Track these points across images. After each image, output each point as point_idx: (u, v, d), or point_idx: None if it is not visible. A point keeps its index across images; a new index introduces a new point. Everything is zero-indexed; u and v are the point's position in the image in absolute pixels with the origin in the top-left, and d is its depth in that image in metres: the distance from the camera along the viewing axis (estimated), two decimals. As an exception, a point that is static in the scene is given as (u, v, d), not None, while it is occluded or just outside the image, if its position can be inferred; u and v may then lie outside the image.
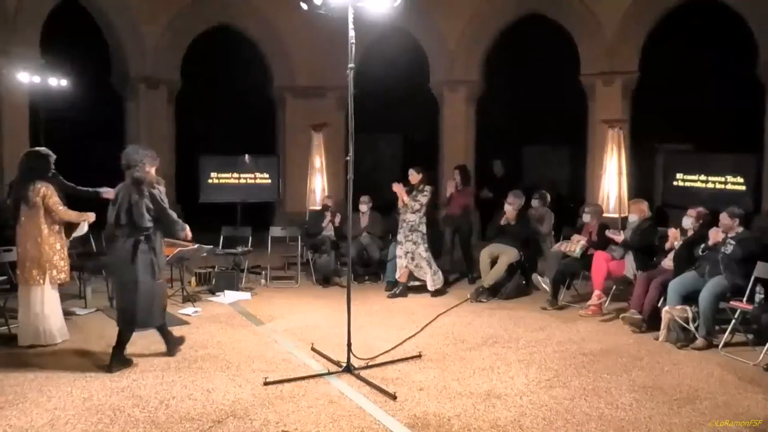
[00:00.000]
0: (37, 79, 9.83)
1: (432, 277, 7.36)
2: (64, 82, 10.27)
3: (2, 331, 5.63)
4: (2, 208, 8.87)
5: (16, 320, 5.44)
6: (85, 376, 4.61)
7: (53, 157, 5.90)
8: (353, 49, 4.69)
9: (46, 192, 5.28)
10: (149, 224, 4.81)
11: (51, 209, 5.29)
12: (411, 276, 7.48)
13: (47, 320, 5.28)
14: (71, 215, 5.43)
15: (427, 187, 7.33)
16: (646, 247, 6.57)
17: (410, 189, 7.33)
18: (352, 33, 4.66)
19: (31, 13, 10.00)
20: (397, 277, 7.47)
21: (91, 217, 5.64)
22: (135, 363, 4.91)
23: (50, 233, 5.33)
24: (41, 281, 5.25)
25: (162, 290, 5.08)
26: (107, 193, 5.53)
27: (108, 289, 7.24)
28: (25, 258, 5.28)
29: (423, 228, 7.34)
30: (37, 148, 5.66)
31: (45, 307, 5.27)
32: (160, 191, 4.89)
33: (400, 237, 7.40)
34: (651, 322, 5.87)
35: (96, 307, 6.73)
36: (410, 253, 7.33)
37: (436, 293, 7.40)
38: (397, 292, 7.40)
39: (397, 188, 7.27)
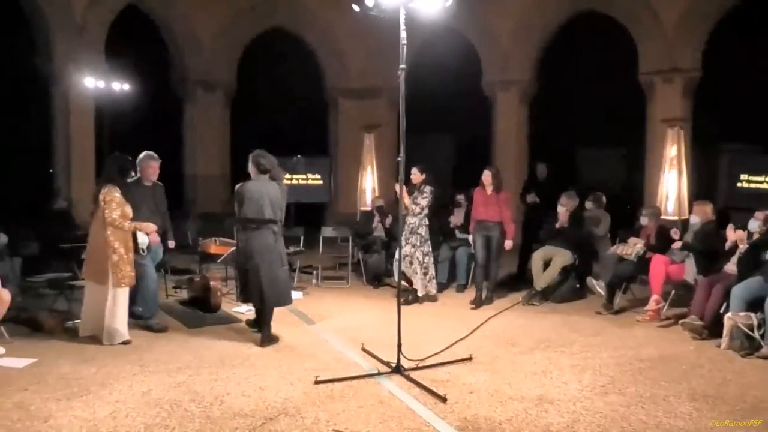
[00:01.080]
0: (101, 83, 10.25)
1: (423, 282, 7.07)
2: (126, 86, 10.68)
3: (68, 325, 5.88)
4: (70, 209, 9.31)
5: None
6: (144, 371, 4.76)
7: (155, 161, 6.18)
8: (405, 50, 4.69)
9: (106, 196, 5.34)
10: (280, 218, 5.58)
11: (104, 215, 5.32)
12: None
13: (106, 320, 5.34)
14: (124, 225, 5.38)
15: (427, 188, 7.01)
16: (708, 251, 6.33)
17: (411, 189, 7.05)
18: (403, 34, 4.66)
19: (97, 20, 10.44)
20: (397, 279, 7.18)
21: (150, 228, 5.69)
22: (280, 339, 5.56)
23: (115, 236, 5.33)
24: (103, 281, 5.35)
25: (288, 275, 5.79)
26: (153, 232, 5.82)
27: (166, 284, 7.49)
28: (90, 256, 5.45)
29: (423, 230, 7.04)
30: (118, 153, 5.67)
31: (106, 307, 5.33)
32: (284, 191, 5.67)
33: (402, 241, 6.96)
34: (712, 328, 5.64)
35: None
36: (408, 256, 7.03)
37: (425, 299, 7.14)
38: (410, 299, 7.07)
39: (401, 192, 6.97)
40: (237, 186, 5.64)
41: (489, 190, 7.11)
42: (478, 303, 7.03)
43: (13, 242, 6.83)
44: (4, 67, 10.48)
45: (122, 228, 5.39)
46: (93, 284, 5.45)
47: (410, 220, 7.05)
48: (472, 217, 7.30)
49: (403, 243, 6.96)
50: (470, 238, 7.38)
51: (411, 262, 7.07)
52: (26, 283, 6.36)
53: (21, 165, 10.80)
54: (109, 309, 5.34)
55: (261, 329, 5.55)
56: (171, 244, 6.65)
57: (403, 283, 6.99)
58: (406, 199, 6.91)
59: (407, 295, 7.08)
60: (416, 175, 7.08)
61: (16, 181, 10.46)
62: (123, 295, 5.43)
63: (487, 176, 7.13)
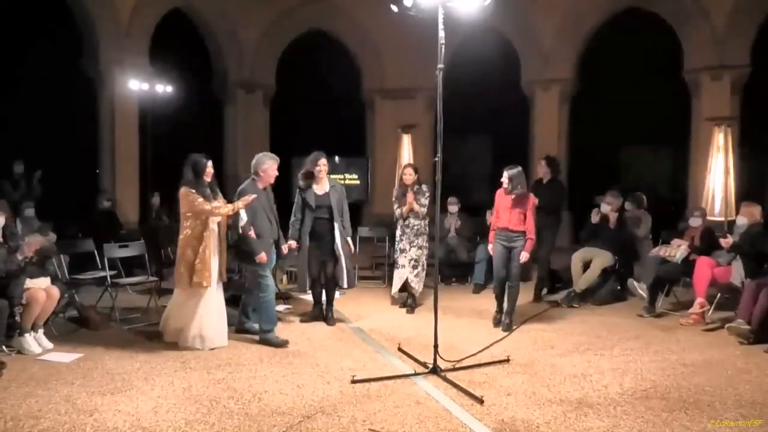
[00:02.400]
0: (145, 86, 10.51)
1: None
2: (169, 89, 10.92)
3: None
4: (114, 209, 9.55)
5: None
6: (185, 368, 4.86)
7: (276, 162, 5.63)
8: (443, 49, 4.67)
9: (183, 197, 5.28)
10: None
11: (194, 209, 5.20)
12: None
13: (196, 322, 5.34)
14: (223, 210, 5.27)
15: (425, 186, 6.76)
16: (755, 253, 6.13)
17: (404, 190, 6.74)
18: (442, 34, 4.65)
19: (143, 23, 10.71)
20: (397, 289, 6.89)
21: (249, 199, 5.32)
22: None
23: (186, 238, 5.28)
24: (175, 283, 5.46)
25: None
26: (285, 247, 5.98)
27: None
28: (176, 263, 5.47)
29: (427, 230, 6.79)
30: (192, 154, 5.39)
31: (169, 305, 5.52)
32: None
33: (404, 244, 6.76)
34: (760, 333, 5.47)
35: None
36: (414, 260, 6.74)
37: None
38: (412, 304, 6.84)
39: (410, 197, 6.65)
40: (341, 186, 6.27)
41: (511, 193, 6.08)
42: (495, 323, 6.20)
43: (60, 240, 7.06)
44: (52, 69, 10.82)
45: (221, 214, 5.29)
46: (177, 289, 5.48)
47: (414, 222, 6.71)
48: (492, 224, 6.31)
49: (408, 247, 6.75)
50: (489, 247, 6.27)
51: (415, 266, 6.77)
52: (73, 281, 6.55)
53: (69, 165, 11.13)
54: (169, 306, 5.50)
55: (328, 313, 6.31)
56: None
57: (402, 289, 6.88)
58: (416, 205, 6.67)
59: (405, 299, 6.92)
60: (410, 176, 6.72)
61: (65, 181, 10.79)
62: (181, 297, 5.42)
63: (503, 179, 6.12)
